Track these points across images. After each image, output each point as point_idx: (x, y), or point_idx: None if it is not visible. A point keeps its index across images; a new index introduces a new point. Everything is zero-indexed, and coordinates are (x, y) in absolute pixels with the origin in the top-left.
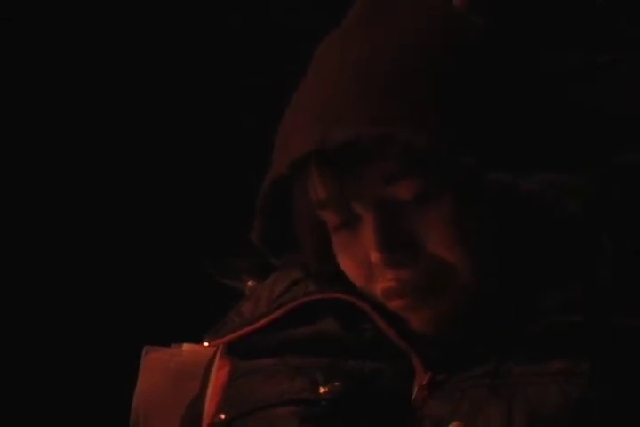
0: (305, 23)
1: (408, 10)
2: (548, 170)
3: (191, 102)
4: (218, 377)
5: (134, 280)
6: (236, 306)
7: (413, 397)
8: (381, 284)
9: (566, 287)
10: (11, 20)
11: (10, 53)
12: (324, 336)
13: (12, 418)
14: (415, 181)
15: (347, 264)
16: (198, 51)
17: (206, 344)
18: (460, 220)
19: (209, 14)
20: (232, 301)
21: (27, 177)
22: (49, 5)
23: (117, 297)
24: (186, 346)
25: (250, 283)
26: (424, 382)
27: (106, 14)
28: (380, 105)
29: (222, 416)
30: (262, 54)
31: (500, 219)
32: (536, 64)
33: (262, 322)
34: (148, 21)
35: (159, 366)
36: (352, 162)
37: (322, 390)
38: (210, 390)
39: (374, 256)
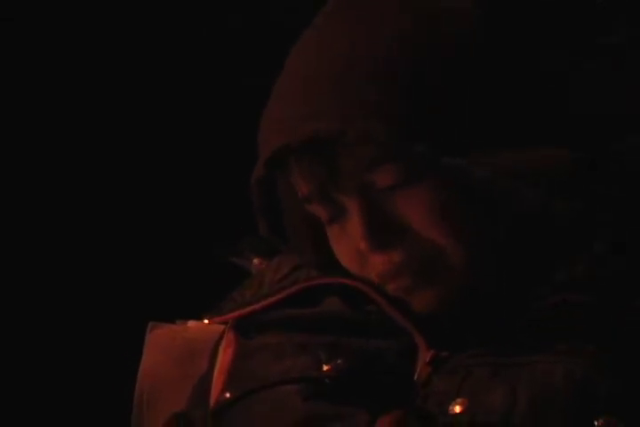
0: (305, 23)
1: (384, 6)
2: (504, 156)
3: (191, 102)
4: (224, 356)
5: (140, 256)
6: (240, 285)
7: (416, 374)
8: (375, 269)
9: (567, 269)
10: (11, 20)
11: (10, 53)
12: (329, 316)
13: (15, 397)
14: (391, 168)
15: (342, 255)
16: (198, 51)
17: (206, 322)
18: (441, 203)
19: (209, 14)
20: (237, 278)
21: (35, 176)
22: (49, 5)
23: (124, 273)
24: (191, 323)
25: (255, 261)
26: (427, 360)
27: (105, 14)
28: (336, 100)
29: (227, 395)
30: (262, 54)
31: (479, 202)
32: (506, 56)
33: (263, 303)
34: (147, 21)
35: (164, 342)
36: (329, 155)
37: (325, 367)
38: (216, 369)
39: (363, 243)
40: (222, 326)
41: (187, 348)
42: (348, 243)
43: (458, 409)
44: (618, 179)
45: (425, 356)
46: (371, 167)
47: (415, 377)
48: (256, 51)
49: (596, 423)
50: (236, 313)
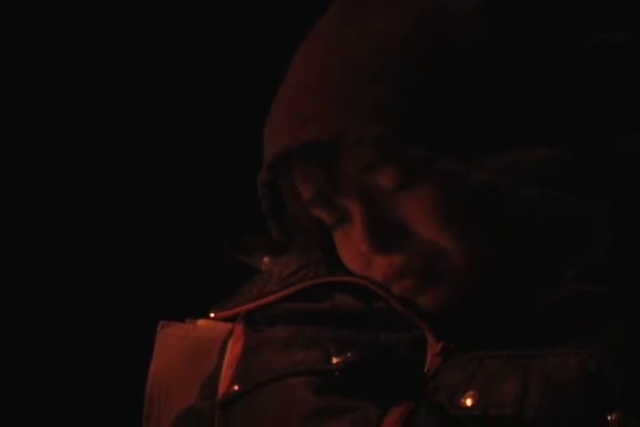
0: (304, 23)
1: (386, 9)
2: (501, 158)
3: (201, 99)
4: (233, 349)
5: (150, 256)
6: (248, 281)
7: (426, 366)
8: (379, 272)
9: (576, 263)
10: (11, 20)
11: (10, 53)
12: (338, 310)
13: (27, 397)
14: (390, 171)
15: (347, 258)
16: (198, 50)
17: (212, 315)
18: (440, 205)
19: (209, 14)
20: (247, 277)
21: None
22: (49, 5)
23: (133, 272)
24: (201, 321)
25: (265, 259)
26: (437, 351)
27: (105, 14)
28: (334, 104)
29: (236, 387)
30: (262, 54)
31: (478, 203)
32: (505, 56)
33: (270, 298)
34: (147, 21)
35: (174, 341)
36: (329, 158)
37: (335, 360)
38: (225, 363)
39: (364, 246)
40: (231, 325)
41: (197, 346)
42: (352, 246)
43: (469, 402)
44: (618, 173)
45: (434, 347)
46: (370, 170)
47: (425, 369)
48: (256, 50)
49: (609, 418)
50: (243, 307)
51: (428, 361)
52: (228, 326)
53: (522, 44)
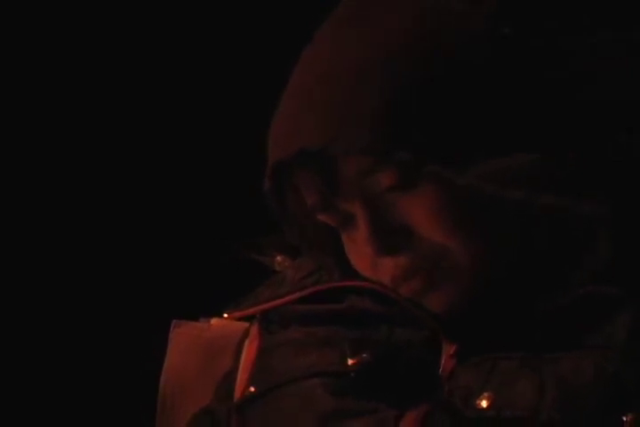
0: (304, 23)
1: (387, 9)
2: (490, 162)
3: (212, 99)
4: (249, 351)
5: (164, 255)
6: (263, 282)
7: (441, 368)
8: (387, 273)
9: (585, 264)
10: (10, 20)
11: (10, 53)
12: (354, 311)
13: (40, 396)
14: (390, 172)
15: (354, 261)
16: (198, 51)
17: (225, 316)
18: (438, 206)
19: (209, 14)
20: (261, 276)
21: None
22: (50, 5)
23: (147, 271)
24: (214, 321)
25: (278, 258)
26: (451, 352)
27: (105, 14)
28: (321, 115)
29: (252, 389)
30: (262, 54)
31: (470, 206)
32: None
33: (283, 300)
34: (147, 21)
35: (188, 340)
36: (329, 163)
37: (350, 362)
38: (242, 364)
39: (368, 248)
40: (245, 324)
41: (210, 346)
42: (358, 249)
43: (484, 404)
44: (618, 173)
45: (449, 349)
46: (370, 173)
47: (440, 370)
48: (256, 51)
49: (624, 419)
50: (257, 308)
51: (443, 363)
52: (243, 325)
53: (522, 44)
